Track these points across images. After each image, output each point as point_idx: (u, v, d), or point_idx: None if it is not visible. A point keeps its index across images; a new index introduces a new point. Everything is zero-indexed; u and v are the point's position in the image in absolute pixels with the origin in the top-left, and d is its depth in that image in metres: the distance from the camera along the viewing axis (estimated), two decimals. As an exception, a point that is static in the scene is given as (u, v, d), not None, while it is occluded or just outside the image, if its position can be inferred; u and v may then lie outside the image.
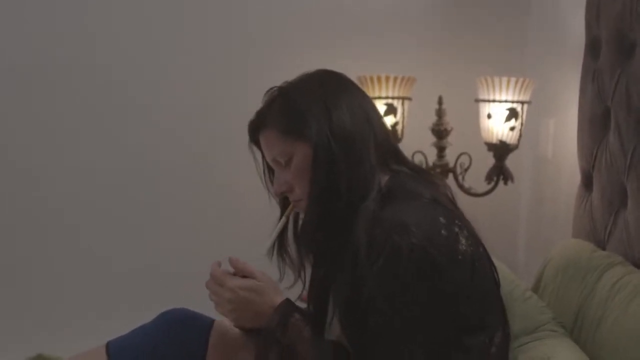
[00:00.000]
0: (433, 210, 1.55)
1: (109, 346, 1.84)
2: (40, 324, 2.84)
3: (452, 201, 1.68)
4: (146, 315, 1.88)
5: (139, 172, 2.95)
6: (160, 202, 2.98)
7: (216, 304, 1.71)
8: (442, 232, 1.51)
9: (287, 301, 1.67)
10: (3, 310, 2.84)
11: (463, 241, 1.53)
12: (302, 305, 2.10)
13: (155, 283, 2.91)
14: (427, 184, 1.65)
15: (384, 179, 1.63)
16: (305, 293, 1.79)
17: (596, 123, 2.20)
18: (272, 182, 1.76)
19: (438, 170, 2.85)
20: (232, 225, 2.95)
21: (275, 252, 1.77)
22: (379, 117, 1.70)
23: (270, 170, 1.76)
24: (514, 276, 2.00)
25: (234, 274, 1.71)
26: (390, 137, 1.73)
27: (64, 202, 2.90)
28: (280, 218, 1.77)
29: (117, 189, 2.94)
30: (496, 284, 1.65)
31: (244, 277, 1.70)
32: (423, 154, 2.86)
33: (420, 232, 1.48)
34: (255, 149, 1.75)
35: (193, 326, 1.81)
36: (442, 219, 1.52)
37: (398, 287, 1.48)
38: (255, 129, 1.71)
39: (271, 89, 1.71)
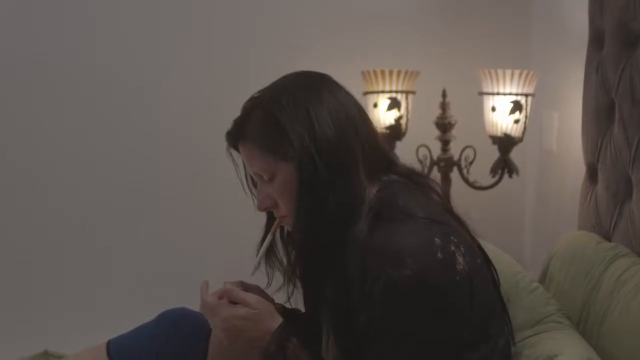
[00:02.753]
0: (427, 230, 1.49)
1: (109, 345, 1.84)
2: (42, 322, 2.85)
3: (447, 206, 1.63)
4: (148, 313, 1.90)
5: (141, 171, 2.95)
6: (161, 201, 2.98)
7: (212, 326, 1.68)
8: (439, 255, 1.46)
9: (283, 326, 1.61)
10: (5, 307, 2.85)
11: (460, 260, 1.49)
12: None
13: (157, 282, 2.93)
14: (419, 193, 1.60)
15: (372, 191, 1.57)
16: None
17: (600, 115, 2.19)
18: (254, 187, 1.70)
19: (442, 164, 2.85)
20: (235, 223, 2.94)
21: (263, 262, 1.72)
22: (366, 120, 1.63)
23: (251, 177, 1.70)
24: (520, 267, 1.99)
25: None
26: (379, 141, 1.65)
27: (64, 201, 2.90)
28: (265, 231, 1.72)
29: (119, 188, 2.94)
30: (495, 286, 1.63)
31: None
32: (427, 147, 2.86)
33: (415, 261, 1.43)
34: (234, 153, 1.67)
35: (194, 325, 1.80)
36: (437, 240, 1.47)
37: (398, 319, 1.46)
38: (235, 139, 1.64)
39: (251, 97, 1.63)
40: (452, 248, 1.49)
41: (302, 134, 1.53)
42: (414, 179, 1.64)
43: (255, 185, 1.70)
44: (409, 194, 1.57)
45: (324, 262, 1.53)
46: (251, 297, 1.62)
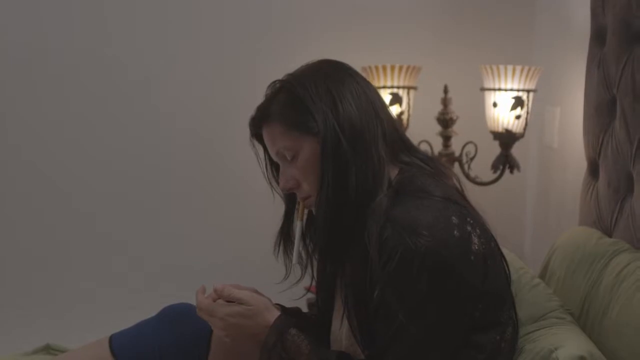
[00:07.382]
0: (445, 209, 1.52)
1: (112, 340, 1.84)
2: (44, 318, 2.86)
3: (462, 193, 1.66)
4: (149, 308, 1.91)
5: (145, 167, 2.96)
6: (164, 196, 2.98)
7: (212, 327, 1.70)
8: (455, 233, 1.49)
9: (281, 318, 1.63)
10: (5, 305, 2.86)
11: (475, 240, 1.52)
12: (310, 295, 2.07)
13: (159, 277, 2.94)
14: (437, 178, 1.63)
15: (394, 172, 1.61)
16: (312, 285, 1.78)
17: (602, 111, 2.20)
18: (275, 177, 1.72)
19: (444, 159, 2.85)
20: (238, 218, 2.96)
21: (281, 248, 1.74)
22: (385, 107, 1.68)
23: (272, 165, 1.73)
24: (522, 263, 1.99)
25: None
26: (398, 126, 1.69)
27: (67, 198, 2.91)
28: (285, 214, 1.74)
29: (121, 184, 2.95)
30: (507, 278, 1.65)
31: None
32: (429, 143, 2.87)
33: (432, 235, 1.47)
34: (257, 143, 1.71)
35: (196, 321, 1.80)
36: (454, 219, 1.51)
37: (412, 292, 1.48)
38: (258, 124, 1.67)
39: (274, 82, 1.67)
40: (469, 229, 1.52)
41: (325, 111, 1.57)
42: (432, 164, 1.68)
43: (274, 175, 1.73)
44: (428, 176, 1.61)
45: (345, 236, 1.56)
46: (245, 294, 1.64)
